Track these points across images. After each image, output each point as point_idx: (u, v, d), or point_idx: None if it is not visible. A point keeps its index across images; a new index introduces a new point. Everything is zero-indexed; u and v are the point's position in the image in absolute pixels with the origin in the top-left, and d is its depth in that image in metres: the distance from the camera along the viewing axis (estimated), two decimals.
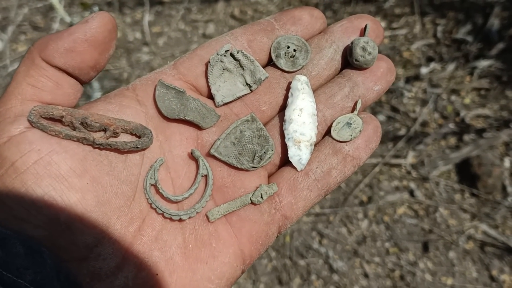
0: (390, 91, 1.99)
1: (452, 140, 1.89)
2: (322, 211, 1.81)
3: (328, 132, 0.66)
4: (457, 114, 1.92)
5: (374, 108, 1.97)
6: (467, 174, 1.81)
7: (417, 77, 2.01)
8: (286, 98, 0.66)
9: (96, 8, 2.24)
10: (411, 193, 1.82)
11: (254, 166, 0.63)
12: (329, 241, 1.76)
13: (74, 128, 0.56)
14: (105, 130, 0.57)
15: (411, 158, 1.87)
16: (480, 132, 1.87)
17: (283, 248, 1.75)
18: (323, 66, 0.67)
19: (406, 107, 1.95)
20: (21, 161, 0.51)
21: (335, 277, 1.71)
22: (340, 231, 1.78)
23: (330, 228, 1.77)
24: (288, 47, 0.65)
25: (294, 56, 0.65)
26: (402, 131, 1.92)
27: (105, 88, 2.05)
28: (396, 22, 2.14)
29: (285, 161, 0.66)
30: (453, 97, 1.95)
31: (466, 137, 1.86)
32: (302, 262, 1.73)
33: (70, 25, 2.11)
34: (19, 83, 0.55)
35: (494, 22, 2.05)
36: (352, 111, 0.66)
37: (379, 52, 0.67)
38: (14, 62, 2.10)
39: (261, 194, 0.61)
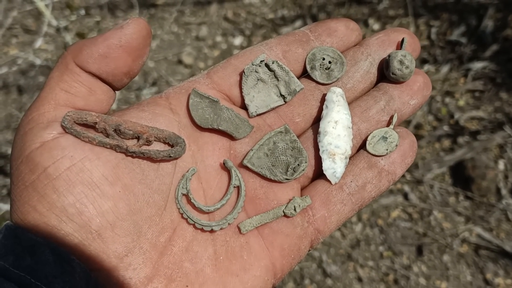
0: None
1: (446, 143, 1.89)
2: None
3: (362, 146, 0.65)
4: (451, 116, 1.93)
5: None
6: (461, 176, 1.82)
7: None
8: (320, 110, 0.65)
9: (82, 11, 2.21)
10: (405, 196, 1.82)
11: (288, 178, 0.62)
12: (323, 245, 1.76)
13: (107, 135, 0.55)
14: (138, 138, 0.57)
15: None
16: (474, 134, 1.88)
17: None
18: (359, 79, 0.66)
19: None
20: (53, 167, 0.51)
21: (329, 282, 1.71)
22: (333, 234, 1.77)
23: None
24: (324, 59, 0.64)
25: (329, 68, 0.65)
26: None
27: None
28: (390, 24, 2.14)
29: (318, 174, 0.65)
30: (447, 99, 1.96)
31: (461, 140, 1.87)
32: (295, 267, 1.73)
33: (57, 28, 2.11)
34: (53, 88, 0.55)
35: (488, 24, 2.05)
36: (388, 125, 0.65)
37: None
38: (4, 66, 2.07)
39: (294, 206, 0.60)
